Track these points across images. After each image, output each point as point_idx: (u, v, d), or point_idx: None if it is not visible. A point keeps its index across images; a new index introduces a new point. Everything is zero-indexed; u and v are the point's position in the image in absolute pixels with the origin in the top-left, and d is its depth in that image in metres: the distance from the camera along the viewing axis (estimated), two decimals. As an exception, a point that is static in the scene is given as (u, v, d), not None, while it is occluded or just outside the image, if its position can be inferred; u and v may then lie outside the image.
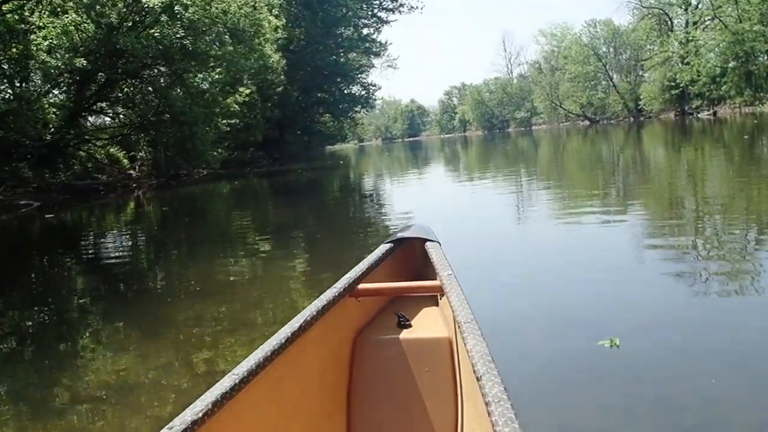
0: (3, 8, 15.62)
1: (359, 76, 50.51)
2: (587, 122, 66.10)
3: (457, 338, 1.98)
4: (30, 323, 5.01)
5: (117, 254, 8.37)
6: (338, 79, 48.02)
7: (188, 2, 18.02)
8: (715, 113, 46.94)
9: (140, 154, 23.25)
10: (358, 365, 2.11)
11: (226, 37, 21.34)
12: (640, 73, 64.46)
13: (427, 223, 2.91)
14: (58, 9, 17.06)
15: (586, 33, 69.35)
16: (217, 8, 19.32)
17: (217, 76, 21.71)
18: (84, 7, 16.76)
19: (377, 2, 49.03)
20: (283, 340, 1.72)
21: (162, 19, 18.07)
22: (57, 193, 17.04)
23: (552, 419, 2.41)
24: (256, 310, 4.54)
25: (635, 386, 2.62)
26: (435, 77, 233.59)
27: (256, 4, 24.34)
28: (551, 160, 20.38)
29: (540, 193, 10.81)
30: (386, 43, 51.36)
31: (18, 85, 17.21)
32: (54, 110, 15.70)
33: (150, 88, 20.37)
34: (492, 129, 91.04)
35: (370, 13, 48.56)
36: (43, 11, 16.79)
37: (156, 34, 17.94)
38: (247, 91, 25.40)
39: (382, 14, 48.92)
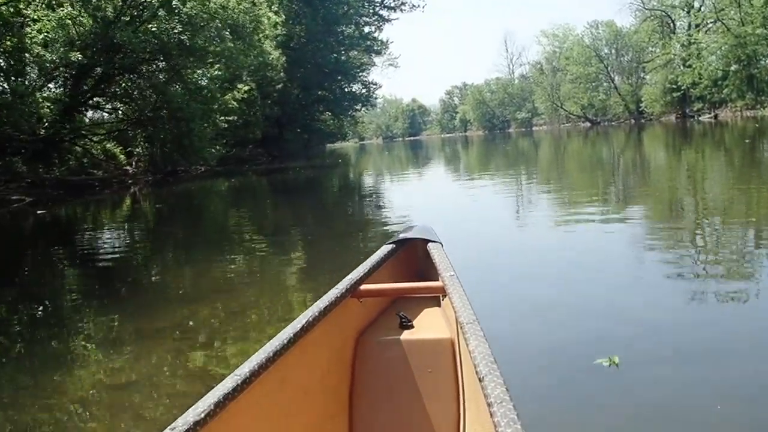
0: (-2, 1, 15.46)
1: (360, 74, 50.29)
2: (588, 124, 65.95)
3: (459, 339, 1.97)
4: (18, 321, 4.91)
5: (110, 251, 8.22)
6: (339, 77, 47.79)
7: (186, -3, 17.87)
8: (716, 116, 46.81)
9: (137, 150, 23.04)
10: (360, 366, 2.10)
11: (225, 33, 21.16)
12: (642, 75, 64.35)
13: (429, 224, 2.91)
14: (54, 2, 16.85)
15: (588, 34, 69.31)
16: (215, 3, 19.14)
17: (216, 73, 21.53)
18: (80, 1, 16.58)
19: (379, 0, 48.83)
20: (285, 341, 1.72)
21: (160, 13, 17.89)
22: (51, 189, 16.87)
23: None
24: (250, 309, 4.50)
25: (635, 412, 2.43)
26: (436, 76, 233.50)
27: (256, 0, 24.13)
28: (551, 162, 20.24)
29: (539, 195, 10.66)
30: (387, 41, 51.30)
31: (13, 78, 17.02)
32: (48, 104, 15.49)
33: (147, 84, 20.16)
34: (493, 129, 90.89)
35: (371, 11, 48.32)
36: (38, 4, 16.57)
37: (153, 29, 17.75)
38: (246, 88, 25.22)
39: (384, 12, 48.70)
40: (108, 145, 22.39)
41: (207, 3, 18.67)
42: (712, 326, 3.33)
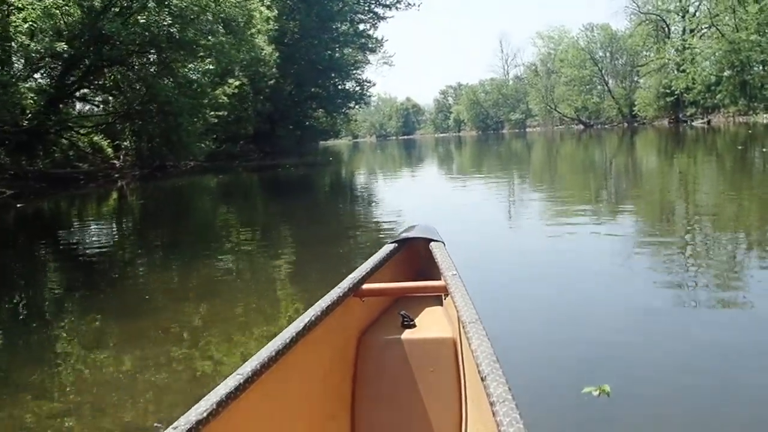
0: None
1: (354, 71, 50.05)
2: (581, 126, 66.00)
3: (461, 338, 1.96)
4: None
5: (91, 248, 8.04)
6: (333, 74, 47.53)
7: (177, -11, 17.54)
8: (709, 122, 46.89)
9: (125, 143, 22.70)
10: (362, 365, 2.11)
11: (217, 26, 20.86)
12: (636, 79, 64.47)
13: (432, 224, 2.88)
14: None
15: (583, 37, 69.42)
16: (206, -5, 18.80)
17: (207, 67, 21.21)
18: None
19: (374, -3, 48.50)
20: (287, 340, 1.72)
21: (149, 5, 17.57)
22: (34, 181, 16.54)
23: None
24: (235, 308, 4.45)
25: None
26: (431, 76, 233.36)
27: (248, -6, 23.80)
28: (544, 165, 20.09)
29: (529, 200, 10.47)
30: (382, 39, 50.95)
31: (-2, 68, 16.66)
32: (32, 95, 15.15)
33: (136, 77, 19.83)
34: (486, 130, 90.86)
35: (366, 8, 48.04)
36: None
37: (142, 21, 17.42)
38: (237, 83, 24.90)
39: (379, 10, 48.40)
40: (95, 138, 22.04)
41: (198, -5, 18.35)
42: (711, 351, 3.13)
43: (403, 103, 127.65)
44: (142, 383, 3.12)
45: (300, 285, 5.14)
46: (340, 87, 49.34)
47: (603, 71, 67.89)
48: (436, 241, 2.61)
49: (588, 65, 66.73)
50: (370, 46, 49.43)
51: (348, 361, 2.10)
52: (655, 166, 15.94)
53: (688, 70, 50.07)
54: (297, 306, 4.32)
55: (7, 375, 3.50)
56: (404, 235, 2.70)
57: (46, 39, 15.79)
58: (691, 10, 54.57)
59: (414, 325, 2.18)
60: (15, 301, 5.46)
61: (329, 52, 45.48)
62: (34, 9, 15.27)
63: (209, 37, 20.22)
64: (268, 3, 31.51)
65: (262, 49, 27.06)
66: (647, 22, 57.92)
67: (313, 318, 1.86)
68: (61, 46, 15.50)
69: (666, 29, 57.18)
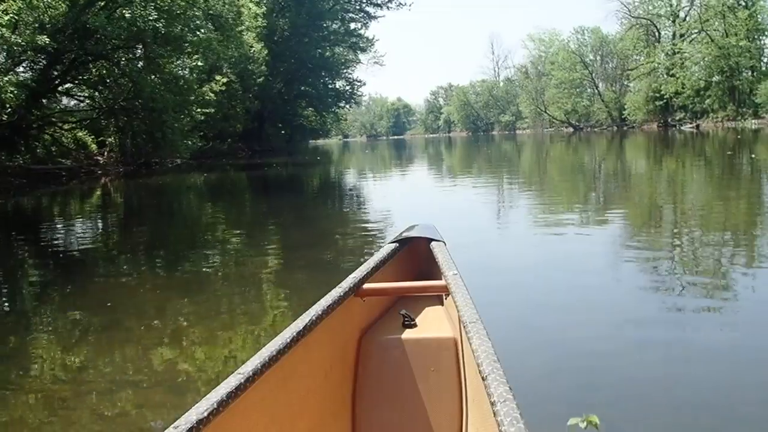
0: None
1: (345, 71, 49.83)
2: (571, 129, 66.15)
3: (462, 338, 1.97)
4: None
5: (65, 245, 7.82)
6: (323, 73, 47.27)
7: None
8: (698, 126, 47.09)
9: (109, 140, 22.32)
10: (363, 365, 2.11)
11: (204, 22, 20.57)
12: (626, 82, 64.73)
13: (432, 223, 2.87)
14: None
15: (574, 40, 69.67)
16: (193, -10, 18.52)
17: (195, 63, 20.90)
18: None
19: (365, -4, 48.19)
20: (288, 340, 1.71)
21: (134, -1, 17.27)
22: (14, 178, 16.19)
23: None
24: (218, 308, 4.39)
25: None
26: (422, 77, 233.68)
27: (237, -10, 23.54)
28: (533, 167, 19.98)
29: (517, 205, 10.30)
30: (373, 38, 50.66)
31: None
32: (12, 89, 14.81)
33: (120, 72, 19.49)
34: (476, 131, 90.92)
35: (357, 7, 47.75)
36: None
37: (127, 15, 17.10)
38: (224, 80, 24.58)
39: (370, 9, 48.06)
40: (79, 134, 21.67)
41: (185, -10, 18.06)
42: (705, 376, 2.95)
43: (394, 104, 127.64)
44: (122, 380, 3.08)
45: (282, 288, 5.04)
46: (330, 86, 49.09)
47: (593, 74, 68.12)
48: (437, 240, 2.60)
49: (578, 68, 66.91)
50: (360, 45, 49.16)
51: (349, 360, 2.10)
52: (644, 171, 15.85)
53: (677, 75, 50.31)
54: (295, 307, 4.21)
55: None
56: (405, 234, 2.69)
57: (28, 32, 15.44)
58: (682, 14, 54.83)
59: (415, 325, 2.18)
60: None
61: (319, 50, 45.22)
62: (15, 1, 14.93)
63: (197, 32, 19.93)
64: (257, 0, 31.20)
65: (251, 47, 26.79)
66: (638, 26, 58.12)
67: (314, 317, 1.86)
68: (43, 39, 15.15)
69: (656, 33, 57.41)
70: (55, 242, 8.37)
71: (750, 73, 48.35)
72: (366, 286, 2.21)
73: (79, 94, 22.36)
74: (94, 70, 19.94)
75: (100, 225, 10.18)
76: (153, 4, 17.46)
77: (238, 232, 8.60)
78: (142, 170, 21.22)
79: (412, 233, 2.69)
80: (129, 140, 20.73)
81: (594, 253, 5.60)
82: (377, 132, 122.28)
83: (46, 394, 3.04)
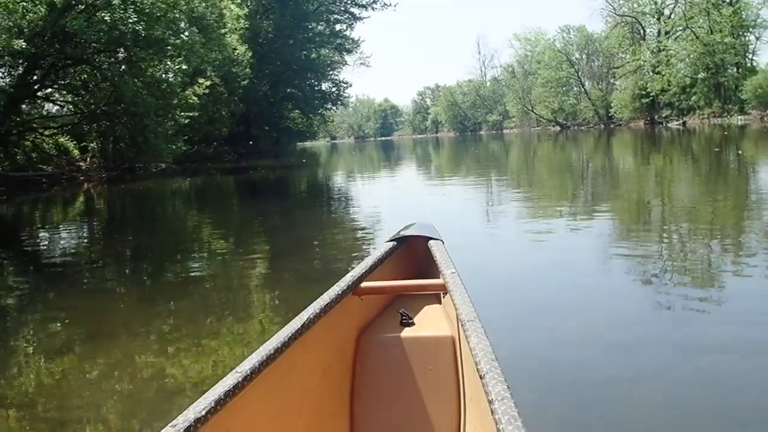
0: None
1: (331, 72, 49.63)
2: (558, 128, 66.30)
3: (460, 336, 1.97)
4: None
5: (40, 254, 7.59)
6: (309, 75, 47.04)
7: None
8: (684, 123, 47.28)
9: (91, 145, 21.96)
10: (361, 363, 2.10)
11: (189, 25, 20.28)
12: (612, 80, 64.94)
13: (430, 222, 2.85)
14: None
15: (560, 38, 69.84)
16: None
17: (178, 66, 20.61)
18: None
19: (350, -3, 47.98)
20: (286, 339, 1.71)
21: (114, 2, 16.94)
22: (-8, 185, 15.85)
23: None
24: (204, 315, 4.32)
25: None
26: (409, 77, 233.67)
27: (219, -8, 23.24)
28: (521, 167, 19.87)
29: (506, 204, 10.14)
30: (359, 40, 50.50)
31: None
32: (-12, 95, 14.51)
33: (101, 76, 19.16)
34: (464, 131, 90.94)
35: (342, 8, 47.54)
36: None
37: (107, 18, 16.79)
38: (208, 83, 24.28)
39: (355, 10, 47.88)
40: (61, 140, 21.29)
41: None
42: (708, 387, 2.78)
43: (381, 105, 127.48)
44: (106, 392, 3.04)
45: (270, 294, 4.97)
46: (316, 88, 48.87)
47: (579, 73, 68.35)
48: (435, 239, 2.60)
49: (564, 67, 67.11)
50: (346, 46, 49.01)
51: (347, 359, 2.09)
52: (632, 169, 15.77)
53: (663, 72, 50.51)
54: (287, 312, 4.11)
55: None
56: (403, 233, 2.67)
57: (4, 36, 15.12)
58: (666, 12, 55.11)
59: (413, 324, 2.18)
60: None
61: (305, 52, 44.98)
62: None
63: (180, 35, 19.64)
64: (239, 1, 30.90)
65: (235, 49, 26.53)
66: (623, 24, 58.34)
67: (311, 316, 1.85)
68: (20, 44, 14.83)
69: (641, 31, 57.64)
70: (37, 251, 8.17)
71: (735, 70, 48.62)
72: (364, 284, 2.21)
73: (60, 99, 21.99)
74: (74, 75, 19.60)
75: (82, 232, 9.96)
76: (132, 6, 17.15)
77: (224, 237, 8.43)
78: (126, 175, 20.91)
79: (410, 231, 2.68)
80: (111, 145, 20.39)
81: (584, 249, 5.53)
82: (365, 133, 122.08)
83: (28, 404, 2.99)
